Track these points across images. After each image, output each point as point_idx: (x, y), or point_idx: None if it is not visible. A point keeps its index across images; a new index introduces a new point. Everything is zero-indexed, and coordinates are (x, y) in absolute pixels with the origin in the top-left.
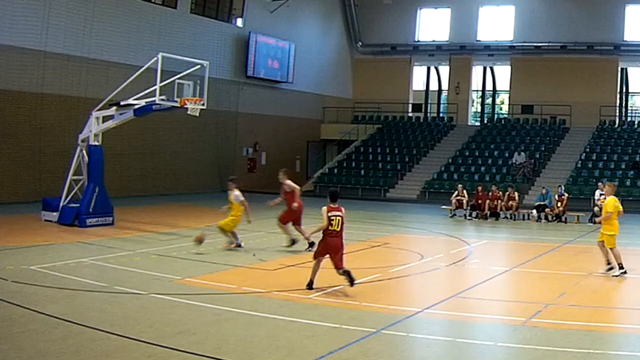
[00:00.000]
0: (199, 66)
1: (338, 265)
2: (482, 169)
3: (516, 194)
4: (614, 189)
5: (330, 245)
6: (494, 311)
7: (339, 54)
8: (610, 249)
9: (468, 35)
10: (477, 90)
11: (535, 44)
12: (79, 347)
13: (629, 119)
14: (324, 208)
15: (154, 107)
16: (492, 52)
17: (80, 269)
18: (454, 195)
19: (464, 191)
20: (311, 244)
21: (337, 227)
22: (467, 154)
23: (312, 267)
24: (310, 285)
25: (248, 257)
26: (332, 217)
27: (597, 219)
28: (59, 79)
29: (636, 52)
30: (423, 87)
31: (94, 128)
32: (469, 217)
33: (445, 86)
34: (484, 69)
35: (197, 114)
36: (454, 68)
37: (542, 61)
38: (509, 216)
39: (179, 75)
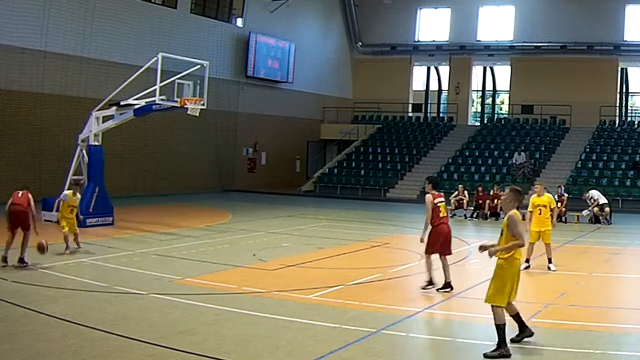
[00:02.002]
0: (198, 66)
1: (449, 251)
2: (482, 169)
3: None
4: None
5: (444, 233)
6: None
7: (339, 54)
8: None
9: (468, 35)
10: (477, 90)
11: (535, 44)
12: (78, 347)
13: (629, 119)
14: (429, 196)
15: (154, 107)
16: (492, 52)
17: (80, 269)
18: (453, 195)
19: (465, 191)
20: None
21: (445, 212)
22: (467, 154)
23: (426, 265)
24: (430, 283)
25: (248, 257)
26: (439, 204)
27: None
28: (59, 79)
29: (636, 52)
30: (423, 87)
31: (94, 128)
32: (470, 217)
33: (445, 86)
34: (484, 69)
35: (197, 114)
36: (454, 68)
37: (542, 61)
38: None
39: (179, 75)
